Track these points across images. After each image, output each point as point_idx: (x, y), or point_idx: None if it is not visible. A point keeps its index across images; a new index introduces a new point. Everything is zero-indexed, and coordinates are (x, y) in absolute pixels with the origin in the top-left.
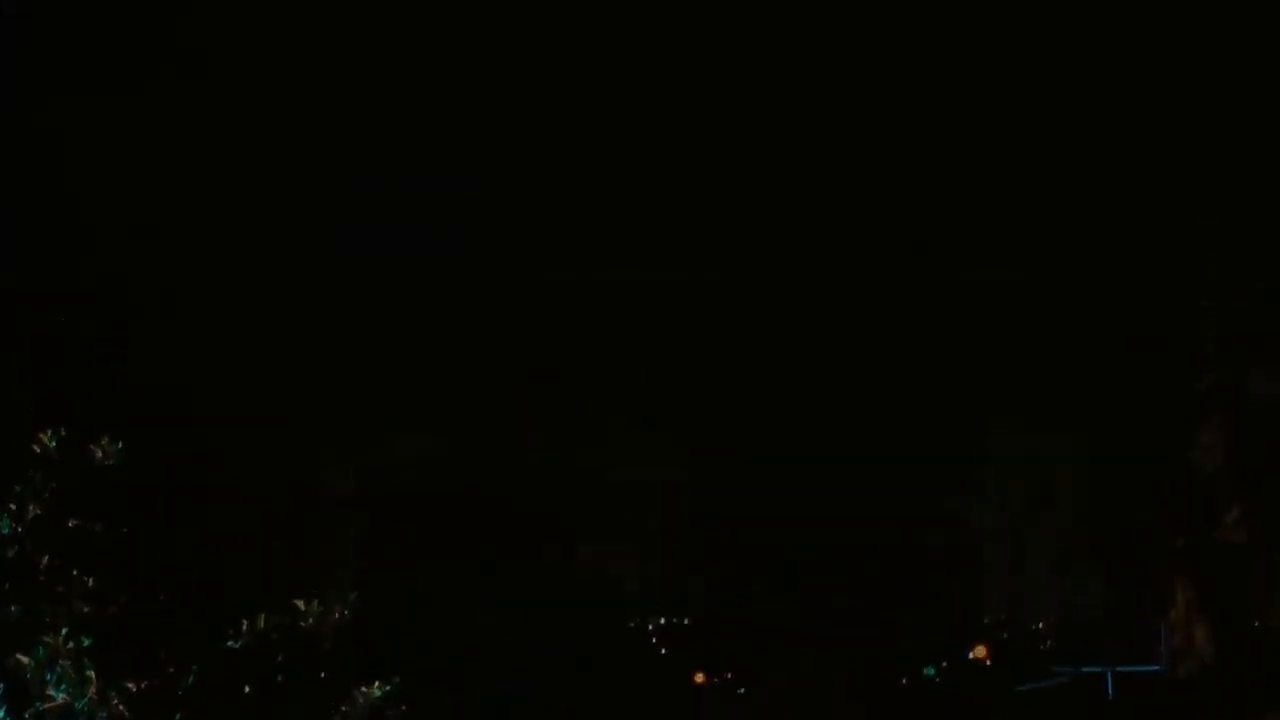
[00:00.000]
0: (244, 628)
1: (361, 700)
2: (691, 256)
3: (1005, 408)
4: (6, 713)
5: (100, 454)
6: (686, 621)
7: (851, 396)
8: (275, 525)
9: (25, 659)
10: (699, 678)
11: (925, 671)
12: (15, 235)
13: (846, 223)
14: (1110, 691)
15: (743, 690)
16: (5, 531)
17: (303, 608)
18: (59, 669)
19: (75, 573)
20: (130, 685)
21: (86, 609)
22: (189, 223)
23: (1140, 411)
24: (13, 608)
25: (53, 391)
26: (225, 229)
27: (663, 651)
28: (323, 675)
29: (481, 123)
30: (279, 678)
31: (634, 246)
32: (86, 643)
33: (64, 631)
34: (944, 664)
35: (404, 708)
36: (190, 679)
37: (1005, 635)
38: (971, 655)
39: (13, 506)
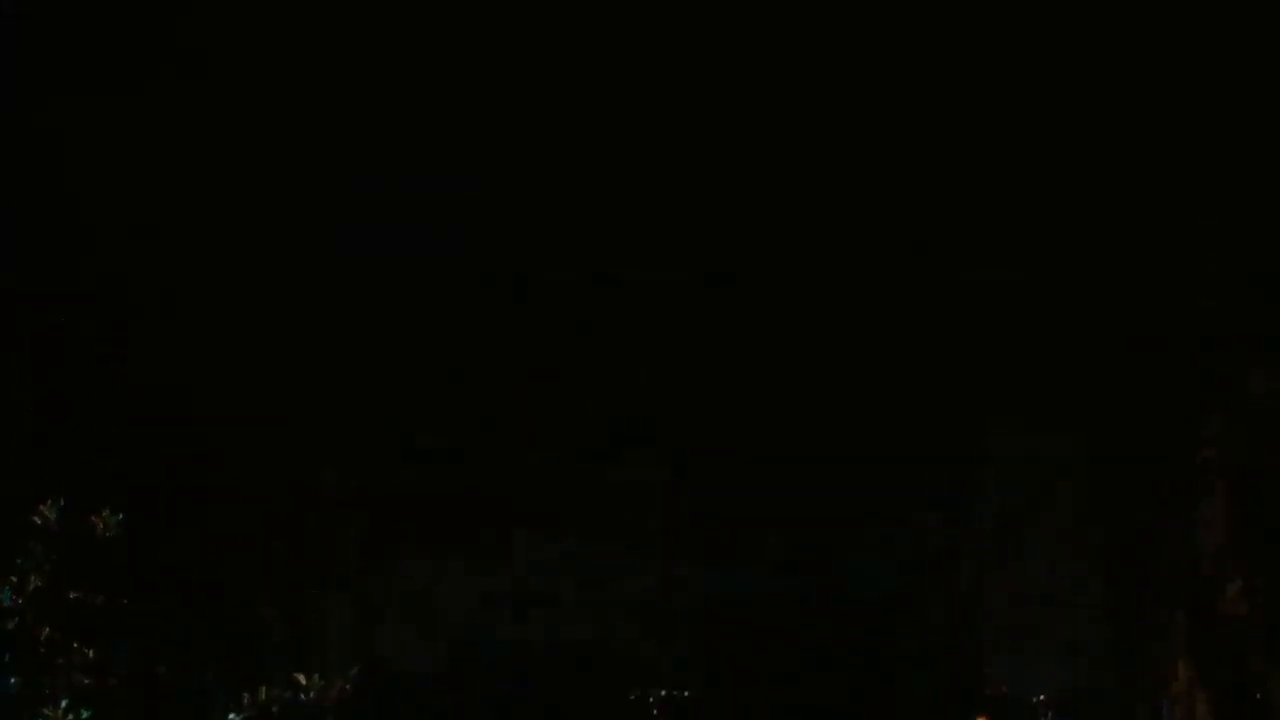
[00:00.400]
0: (245, 700)
1: None
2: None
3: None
4: None
5: (101, 526)
6: (688, 694)
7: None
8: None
9: None
10: None
11: None
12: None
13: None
14: None
15: None
16: (6, 604)
17: (304, 681)
18: None
19: (75, 644)
20: None
21: (86, 681)
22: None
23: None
24: (13, 680)
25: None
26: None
27: None
28: None
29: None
30: None
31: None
32: (86, 715)
33: (64, 704)
34: None
35: None
36: None
37: (1006, 709)
38: None
39: (14, 579)
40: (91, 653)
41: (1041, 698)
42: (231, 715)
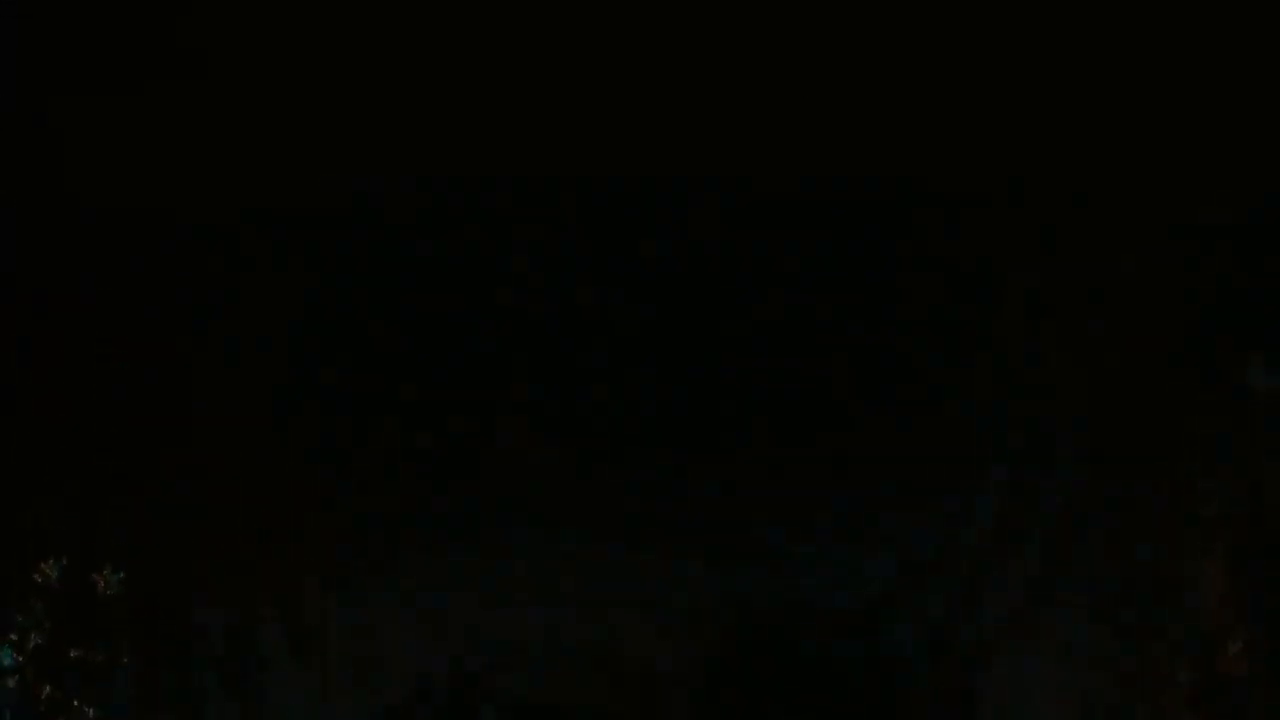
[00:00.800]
0: None
1: None
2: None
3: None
4: None
5: (102, 584)
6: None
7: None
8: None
9: None
10: None
11: None
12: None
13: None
14: None
15: None
16: (7, 662)
17: None
18: None
19: (76, 703)
20: None
21: None
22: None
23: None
24: None
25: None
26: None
27: None
28: None
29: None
30: None
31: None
32: None
33: None
34: None
35: None
36: None
37: None
38: None
39: (14, 637)
40: (92, 711)
41: None
42: None
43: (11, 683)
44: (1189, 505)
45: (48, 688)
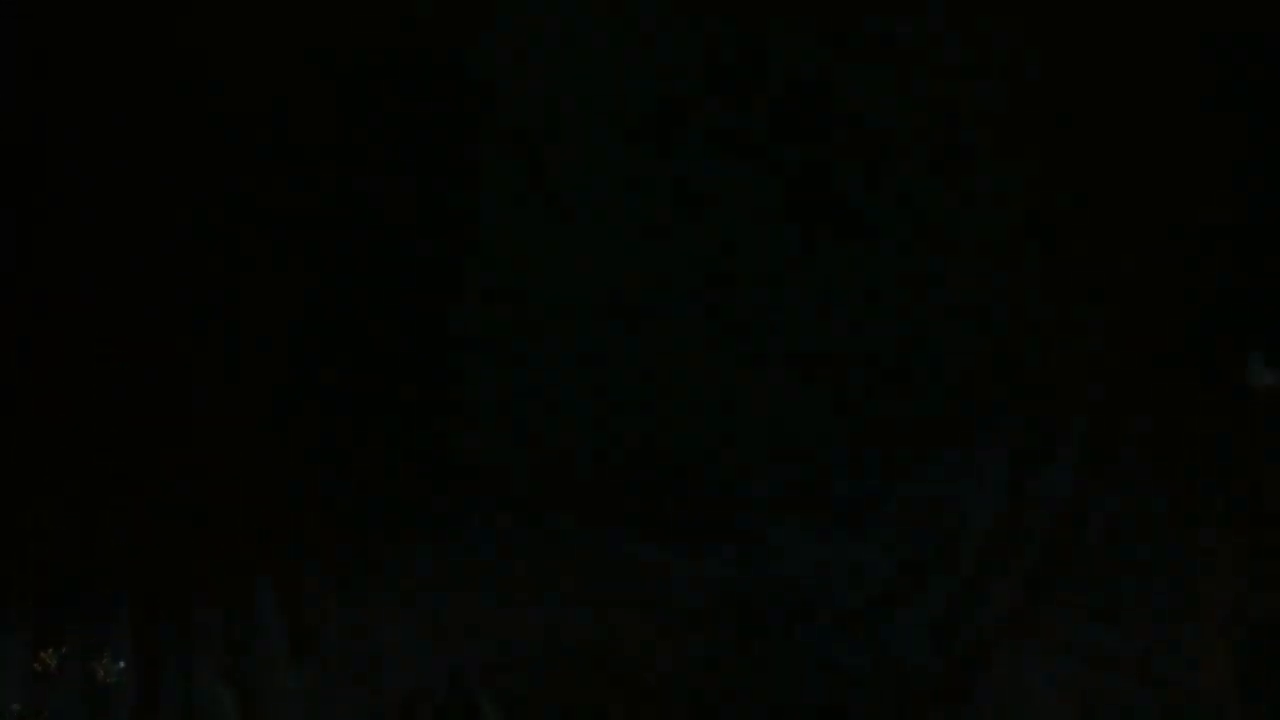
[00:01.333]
0: None
1: None
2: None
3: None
4: None
5: (102, 673)
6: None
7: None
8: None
9: None
10: None
11: None
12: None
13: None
14: None
15: None
16: None
17: None
18: None
19: None
20: None
21: None
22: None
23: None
24: None
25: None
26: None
27: None
28: None
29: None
30: None
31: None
32: None
33: None
34: None
35: None
36: None
37: None
38: None
39: None
40: None
41: None
42: None
43: None
44: (1189, 505)
45: None
